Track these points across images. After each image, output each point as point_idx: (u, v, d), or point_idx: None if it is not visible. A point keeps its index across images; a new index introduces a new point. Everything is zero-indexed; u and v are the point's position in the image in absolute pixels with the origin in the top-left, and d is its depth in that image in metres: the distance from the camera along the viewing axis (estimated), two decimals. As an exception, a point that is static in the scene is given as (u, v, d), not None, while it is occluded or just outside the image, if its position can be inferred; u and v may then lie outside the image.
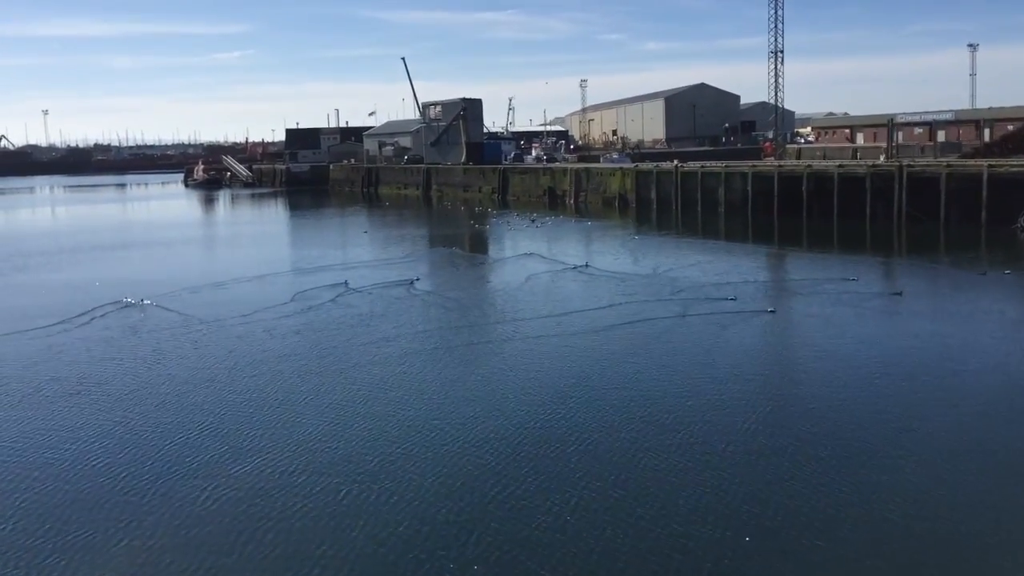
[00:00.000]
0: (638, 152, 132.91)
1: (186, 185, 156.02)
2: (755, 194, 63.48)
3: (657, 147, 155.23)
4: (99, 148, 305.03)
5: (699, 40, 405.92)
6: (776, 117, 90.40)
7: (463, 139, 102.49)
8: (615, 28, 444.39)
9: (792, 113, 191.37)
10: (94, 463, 17.66)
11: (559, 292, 35.50)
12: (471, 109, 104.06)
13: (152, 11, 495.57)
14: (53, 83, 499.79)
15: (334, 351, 26.16)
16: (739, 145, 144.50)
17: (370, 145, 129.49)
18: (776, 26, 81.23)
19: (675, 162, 73.43)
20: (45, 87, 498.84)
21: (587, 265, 42.02)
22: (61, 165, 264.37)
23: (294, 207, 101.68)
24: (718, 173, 67.73)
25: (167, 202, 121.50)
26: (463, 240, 58.80)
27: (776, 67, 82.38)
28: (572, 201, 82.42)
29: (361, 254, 51.65)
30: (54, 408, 21.31)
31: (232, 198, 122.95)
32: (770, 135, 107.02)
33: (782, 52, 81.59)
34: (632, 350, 25.48)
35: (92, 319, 32.34)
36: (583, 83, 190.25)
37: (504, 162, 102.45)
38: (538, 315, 30.50)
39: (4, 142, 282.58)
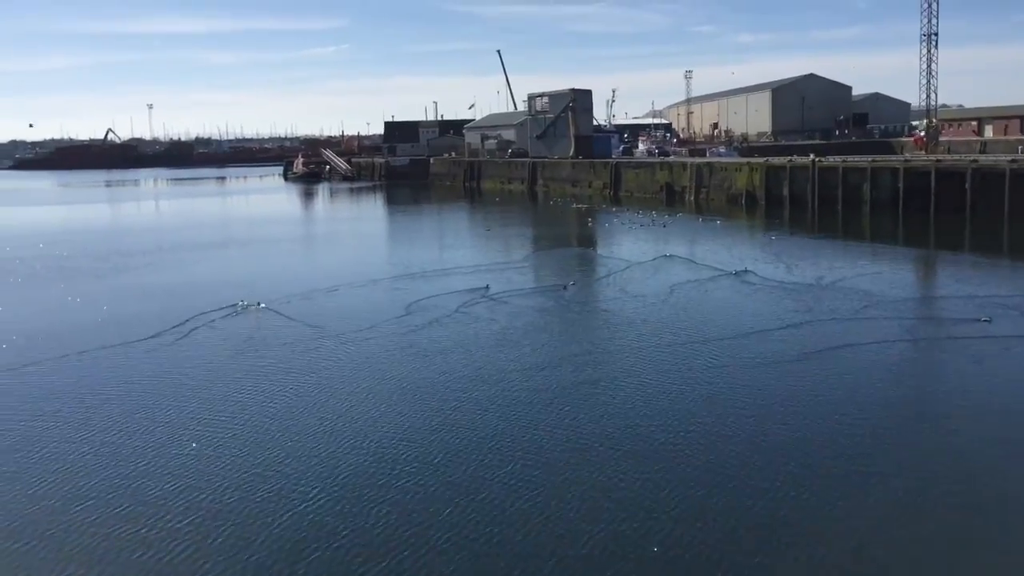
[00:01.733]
0: (746, 146, 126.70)
1: (286, 178, 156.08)
2: (907, 191, 57.55)
3: (763, 140, 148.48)
4: (200, 141, 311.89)
5: (794, 31, 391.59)
6: (928, 105, 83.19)
7: (571, 132, 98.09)
8: (707, 20, 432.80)
9: (908, 104, 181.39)
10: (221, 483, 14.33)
11: (730, 305, 30.98)
12: (580, 100, 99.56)
13: (251, 8, 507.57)
14: (157, 79, 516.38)
15: (491, 373, 22.37)
16: (853, 138, 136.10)
17: (472, 138, 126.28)
18: (930, 6, 74.40)
19: (811, 156, 67.69)
20: (149, 82, 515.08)
21: (746, 271, 37.40)
22: (164, 158, 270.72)
23: (396, 202, 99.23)
24: (863, 168, 61.85)
25: (268, 196, 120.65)
26: (590, 240, 54.52)
27: (928, 52, 75.64)
28: (692, 198, 77.36)
29: (487, 255, 47.95)
30: (181, 428, 18.14)
31: (332, 192, 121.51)
32: (916, 127, 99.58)
33: (935, 35, 74.82)
34: (870, 383, 20.94)
35: (207, 324, 29.55)
36: (688, 74, 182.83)
37: (613, 156, 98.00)
38: (724, 334, 26.01)
39: (111, 135, 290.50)
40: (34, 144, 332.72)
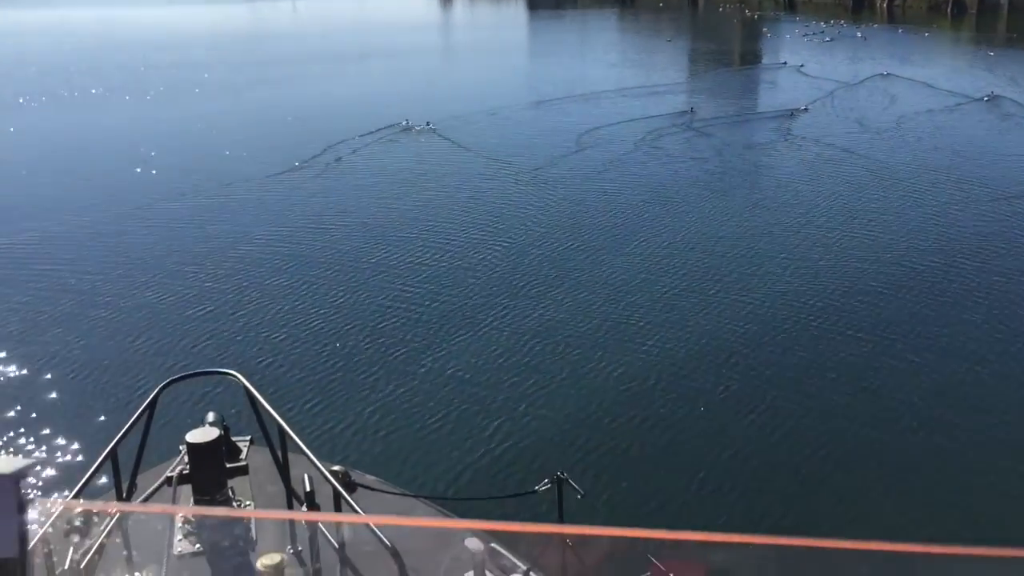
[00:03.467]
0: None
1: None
2: None
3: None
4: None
5: None
6: None
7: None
8: None
9: None
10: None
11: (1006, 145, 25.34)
12: None
13: None
14: None
15: (702, 230, 18.30)
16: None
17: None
18: None
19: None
20: None
21: (995, 96, 31.27)
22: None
23: (546, 6, 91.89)
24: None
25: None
26: (780, 54, 46.97)
27: None
28: (884, 5, 67.74)
29: (660, 72, 42.43)
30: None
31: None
32: None
33: None
34: None
35: (376, 143, 26.55)
36: None
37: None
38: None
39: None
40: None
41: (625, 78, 39.32)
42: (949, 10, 61.61)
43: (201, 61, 48.04)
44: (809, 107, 30.64)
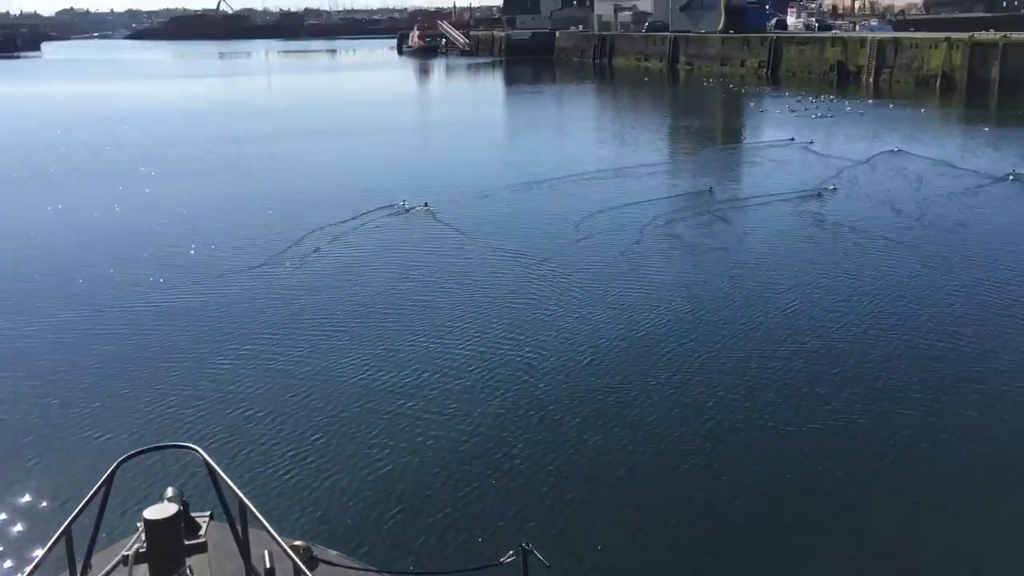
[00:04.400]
0: (902, 19, 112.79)
1: (400, 52, 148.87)
2: None
3: (913, 13, 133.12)
4: (310, 12, 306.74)
5: None
6: None
7: (723, 2, 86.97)
8: None
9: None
10: None
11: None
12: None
13: None
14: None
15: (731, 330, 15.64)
16: (1023, 11, 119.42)
17: (602, 10, 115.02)
18: None
19: (1034, 31, 56.58)
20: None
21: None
22: (275, 29, 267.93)
23: (522, 80, 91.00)
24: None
25: (383, 72, 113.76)
26: (778, 129, 45.41)
27: None
28: (871, 79, 66.95)
29: (660, 147, 40.62)
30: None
31: (450, 68, 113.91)
32: None
33: None
34: None
35: (373, 226, 24.41)
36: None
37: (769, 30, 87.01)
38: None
39: (223, 6, 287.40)
40: (149, 14, 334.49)
41: (621, 156, 37.25)
42: (938, 86, 60.73)
43: (171, 139, 45.54)
44: (837, 187, 28.45)
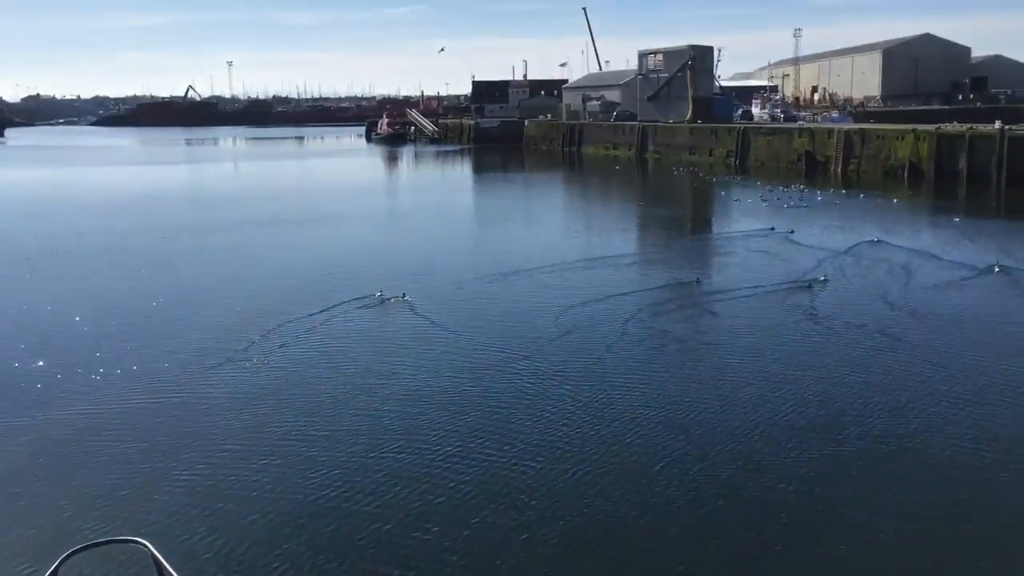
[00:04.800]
0: (862, 111, 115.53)
1: (368, 139, 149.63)
2: None
3: (872, 105, 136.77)
4: (279, 100, 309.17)
5: None
6: None
7: (691, 93, 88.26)
8: None
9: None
10: None
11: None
12: (701, 58, 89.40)
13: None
14: (237, 38, 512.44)
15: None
16: (978, 104, 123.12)
17: (571, 99, 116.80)
18: None
19: (997, 124, 57.38)
20: (230, 42, 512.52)
21: (1003, 268, 28.82)
22: (243, 116, 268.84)
23: (492, 168, 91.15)
24: (1071, 139, 51.65)
25: (352, 159, 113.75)
26: (755, 218, 44.84)
27: None
28: (839, 170, 67.57)
29: (639, 238, 39.75)
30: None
31: (419, 156, 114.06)
32: None
33: None
34: None
35: (350, 319, 23.08)
36: (797, 32, 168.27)
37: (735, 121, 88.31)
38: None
39: (191, 92, 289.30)
40: (117, 100, 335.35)
41: (599, 246, 36.35)
42: (906, 176, 61.23)
43: (133, 228, 43.97)
44: (827, 278, 27.63)
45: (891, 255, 32.11)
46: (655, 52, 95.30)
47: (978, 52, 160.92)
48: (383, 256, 34.76)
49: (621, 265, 31.47)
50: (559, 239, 38.67)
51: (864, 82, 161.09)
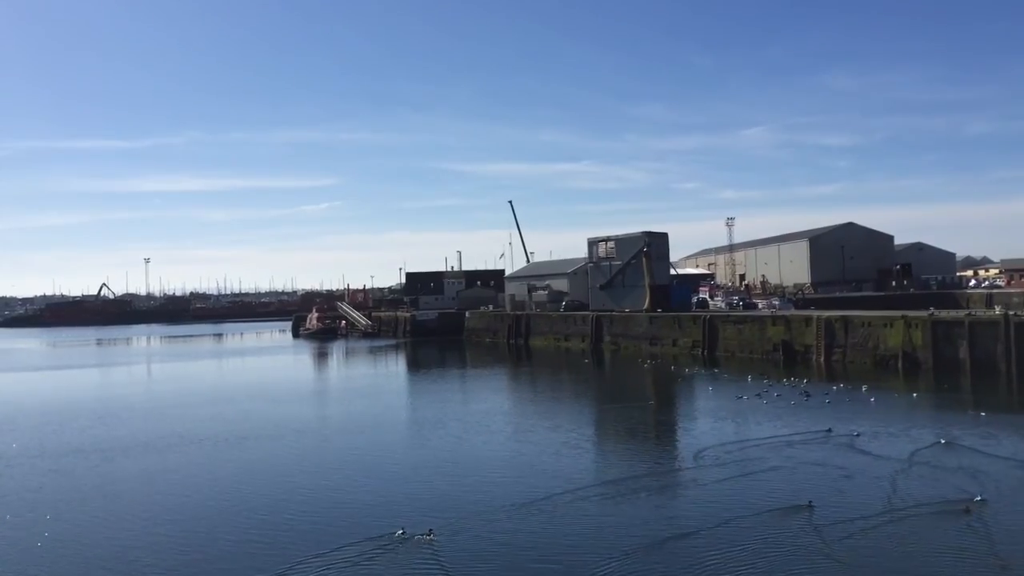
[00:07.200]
0: (802, 298, 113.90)
1: (296, 334, 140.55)
2: None
3: (805, 292, 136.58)
4: (197, 296, 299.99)
5: (775, 188, 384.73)
6: None
7: (647, 281, 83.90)
8: (690, 177, 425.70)
9: (952, 255, 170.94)
10: None
11: None
12: (656, 245, 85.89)
13: (244, 167, 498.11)
14: (153, 235, 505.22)
15: None
16: (912, 290, 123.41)
17: (514, 289, 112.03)
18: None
19: (999, 308, 53.48)
20: (145, 240, 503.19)
21: None
22: (160, 314, 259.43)
23: (435, 364, 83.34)
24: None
25: (280, 357, 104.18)
26: (755, 422, 38.71)
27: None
28: (821, 359, 62.50)
29: (625, 444, 32.53)
30: None
31: (352, 352, 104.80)
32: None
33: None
34: None
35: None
36: (730, 221, 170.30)
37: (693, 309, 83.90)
38: None
39: (105, 291, 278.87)
40: (24, 300, 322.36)
41: (583, 466, 29.06)
42: (900, 366, 56.31)
43: (25, 450, 34.83)
44: (984, 497, 20.73)
45: (948, 457, 25.88)
46: (606, 239, 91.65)
47: (900, 240, 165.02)
48: (365, 484, 26.78)
49: (626, 492, 24.01)
50: (552, 461, 31.18)
51: (793, 269, 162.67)
